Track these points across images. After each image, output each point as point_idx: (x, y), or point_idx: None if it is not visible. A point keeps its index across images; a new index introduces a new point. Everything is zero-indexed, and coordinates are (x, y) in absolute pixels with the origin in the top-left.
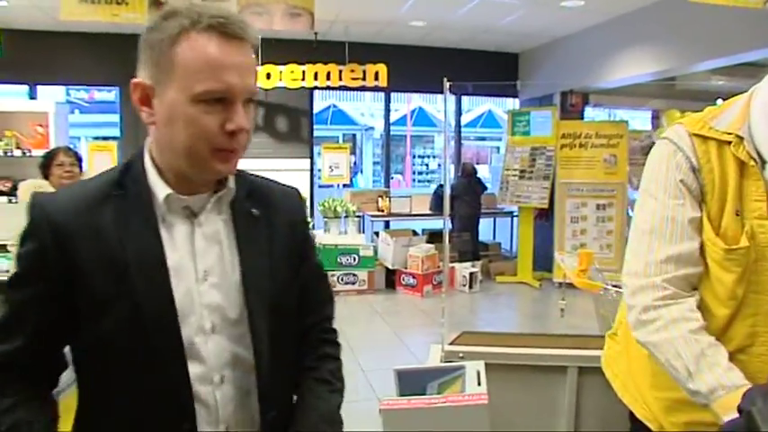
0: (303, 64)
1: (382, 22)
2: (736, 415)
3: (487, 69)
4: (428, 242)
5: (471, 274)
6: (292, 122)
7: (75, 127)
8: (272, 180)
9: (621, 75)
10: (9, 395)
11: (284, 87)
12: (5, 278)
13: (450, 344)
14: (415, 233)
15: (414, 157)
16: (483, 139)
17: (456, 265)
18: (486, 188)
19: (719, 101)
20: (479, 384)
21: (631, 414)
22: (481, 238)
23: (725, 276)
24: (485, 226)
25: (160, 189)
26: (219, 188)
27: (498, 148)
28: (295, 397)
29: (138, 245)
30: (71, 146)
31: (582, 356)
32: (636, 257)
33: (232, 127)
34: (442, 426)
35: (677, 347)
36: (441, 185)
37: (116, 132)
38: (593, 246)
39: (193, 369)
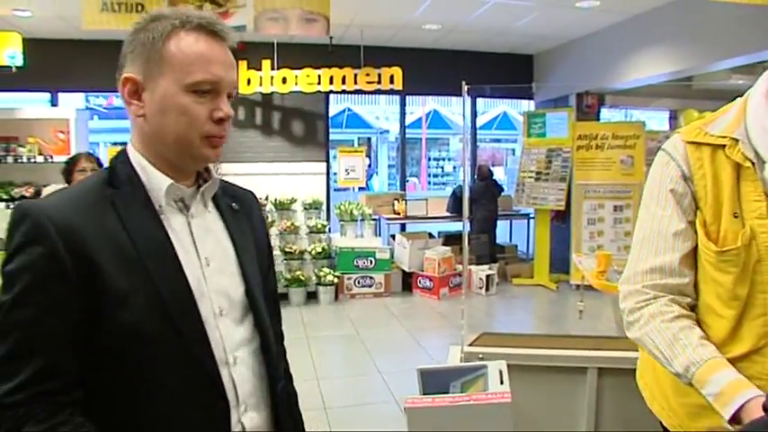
0: (319, 68)
1: (397, 25)
2: (712, 388)
3: (502, 71)
4: (444, 245)
5: (488, 276)
6: (308, 126)
7: (95, 133)
8: (230, 183)
9: (637, 75)
10: (55, 415)
11: (300, 91)
12: None
13: (470, 345)
14: (431, 236)
15: (429, 159)
16: (498, 141)
17: (473, 267)
18: (502, 190)
19: (739, 99)
20: (502, 383)
21: (662, 424)
22: (498, 240)
23: (722, 278)
24: (501, 228)
25: (160, 180)
26: (202, 182)
27: (513, 150)
28: None
29: (147, 238)
30: (91, 151)
31: (602, 357)
32: (628, 266)
33: (220, 114)
34: (466, 424)
35: (653, 339)
36: (459, 187)
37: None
38: (611, 247)
39: (216, 352)
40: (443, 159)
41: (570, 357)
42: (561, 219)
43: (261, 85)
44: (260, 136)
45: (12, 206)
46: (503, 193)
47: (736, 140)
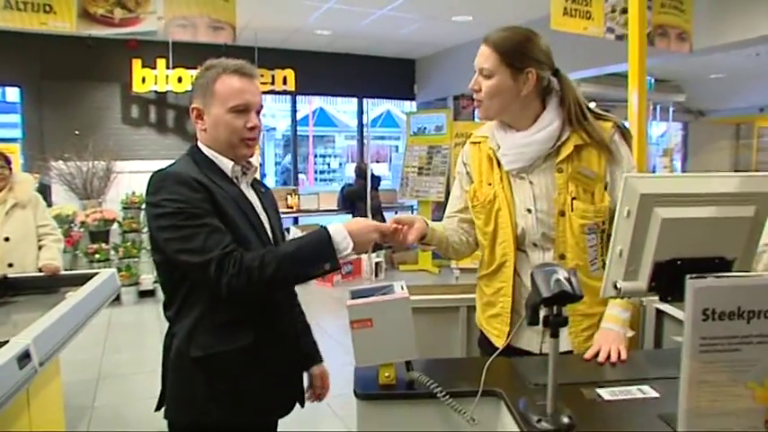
0: None
1: (290, 29)
2: None
3: (387, 74)
4: None
5: (377, 263)
6: None
7: None
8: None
9: None
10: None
11: None
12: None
13: None
14: None
15: (316, 156)
16: (382, 138)
17: (362, 256)
18: (379, 180)
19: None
20: (403, 290)
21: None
22: None
23: (477, 221)
24: (386, 219)
25: (227, 162)
26: (246, 169)
27: (397, 147)
28: None
29: (233, 191)
30: None
31: (469, 299)
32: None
33: (251, 125)
34: (384, 314)
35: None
36: (347, 184)
37: (11, 133)
38: None
39: None
40: (329, 156)
41: (447, 300)
42: (442, 210)
43: (156, 83)
44: (154, 134)
45: None
46: (388, 187)
47: (487, 138)
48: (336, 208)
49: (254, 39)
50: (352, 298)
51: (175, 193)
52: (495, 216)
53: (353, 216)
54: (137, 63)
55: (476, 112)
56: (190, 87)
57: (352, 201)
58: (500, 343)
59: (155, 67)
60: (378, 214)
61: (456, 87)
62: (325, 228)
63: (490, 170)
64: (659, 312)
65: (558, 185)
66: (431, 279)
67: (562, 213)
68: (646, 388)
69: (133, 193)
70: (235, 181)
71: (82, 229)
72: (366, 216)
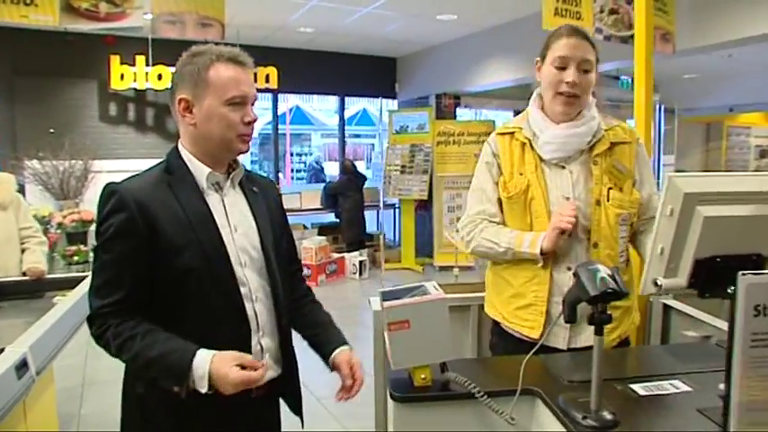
0: None
1: (273, 27)
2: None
3: (368, 71)
4: (319, 235)
5: (360, 262)
6: None
7: None
8: (253, 172)
9: (488, 80)
10: (131, 320)
11: None
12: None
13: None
14: (305, 227)
15: (292, 155)
16: (358, 136)
17: (346, 254)
18: (365, 179)
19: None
20: (437, 290)
21: (494, 322)
22: (366, 229)
23: (512, 211)
24: (369, 217)
25: (202, 169)
26: (231, 171)
27: (373, 145)
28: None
29: (194, 208)
30: None
31: (479, 297)
32: (465, 214)
33: (248, 119)
34: (421, 315)
35: (485, 238)
36: (329, 182)
37: None
38: None
39: (242, 290)
40: (306, 154)
41: (458, 299)
42: (424, 208)
43: (135, 80)
44: (133, 133)
45: None
46: (370, 186)
47: (521, 128)
48: (320, 206)
49: (236, 36)
50: (384, 300)
51: (112, 217)
52: (529, 205)
53: (336, 214)
54: (115, 59)
55: (457, 111)
56: (170, 84)
57: (334, 196)
58: (533, 334)
59: (134, 64)
60: (360, 213)
61: (438, 86)
62: (194, 355)
63: (522, 159)
64: (666, 307)
65: (594, 176)
66: (415, 277)
67: (597, 203)
68: (677, 382)
69: None
70: (213, 189)
71: (59, 231)
72: (354, 212)
